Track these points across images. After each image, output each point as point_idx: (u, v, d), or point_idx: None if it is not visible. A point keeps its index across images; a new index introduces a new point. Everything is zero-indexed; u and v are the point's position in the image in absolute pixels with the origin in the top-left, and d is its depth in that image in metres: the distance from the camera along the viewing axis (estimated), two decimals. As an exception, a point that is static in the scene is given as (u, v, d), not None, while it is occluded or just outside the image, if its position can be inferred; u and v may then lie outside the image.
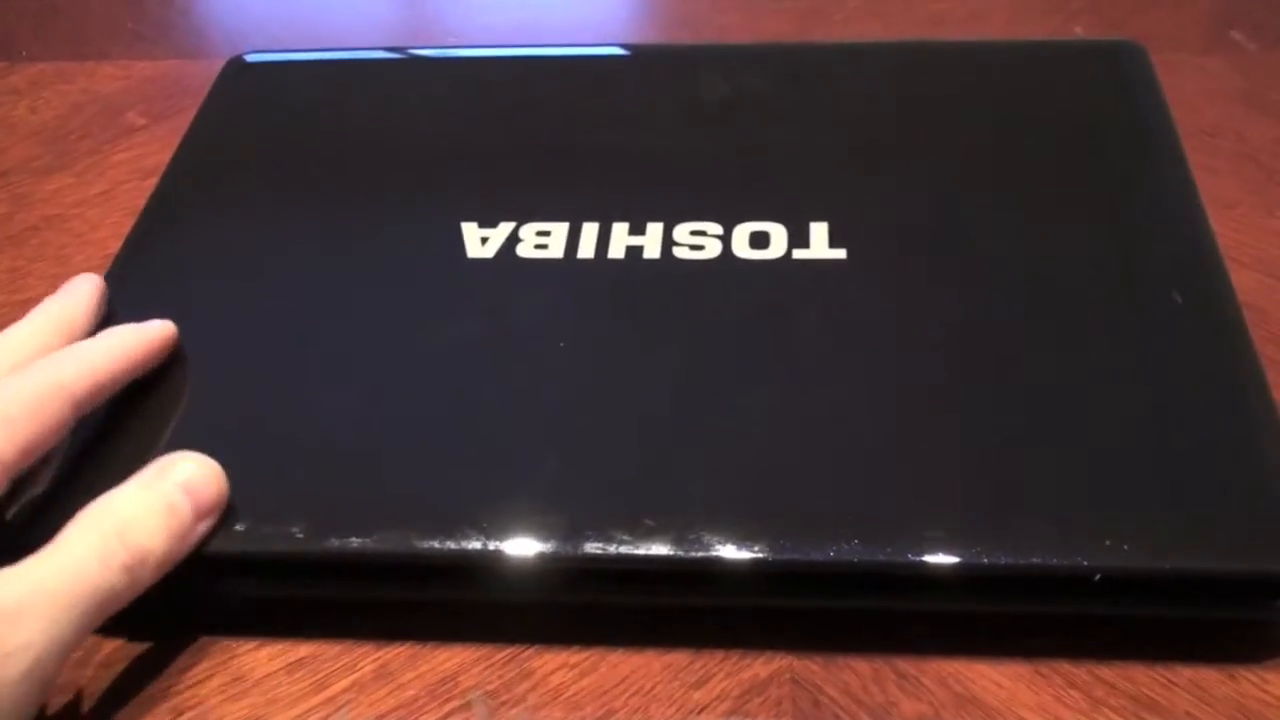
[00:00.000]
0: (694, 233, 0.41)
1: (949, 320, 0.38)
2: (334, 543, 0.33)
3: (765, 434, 0.35)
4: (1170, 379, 0.35)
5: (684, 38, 0.61)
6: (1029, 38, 0.57)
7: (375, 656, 0.34)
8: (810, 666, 0.34)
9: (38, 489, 0.35)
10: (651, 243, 0.41)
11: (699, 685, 0.33)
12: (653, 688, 0.33)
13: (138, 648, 0.35)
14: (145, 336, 0.37)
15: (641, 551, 0.32)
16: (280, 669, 0.34)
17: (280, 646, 0.35)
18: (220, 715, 0.33)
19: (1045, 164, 0.43)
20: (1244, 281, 0.41)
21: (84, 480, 0.35)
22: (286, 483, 0.35)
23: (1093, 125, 0.44)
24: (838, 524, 0.32)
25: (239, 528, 0.34)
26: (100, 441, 0.36)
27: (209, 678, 0.34)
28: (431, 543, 0.33)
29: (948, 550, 0.32)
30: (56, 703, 0.33)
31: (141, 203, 0.45)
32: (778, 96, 0.47)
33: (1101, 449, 0.34)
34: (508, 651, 0.34)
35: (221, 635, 0.35)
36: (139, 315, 0.40)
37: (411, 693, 0.34)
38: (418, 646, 0.35)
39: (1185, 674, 0.33)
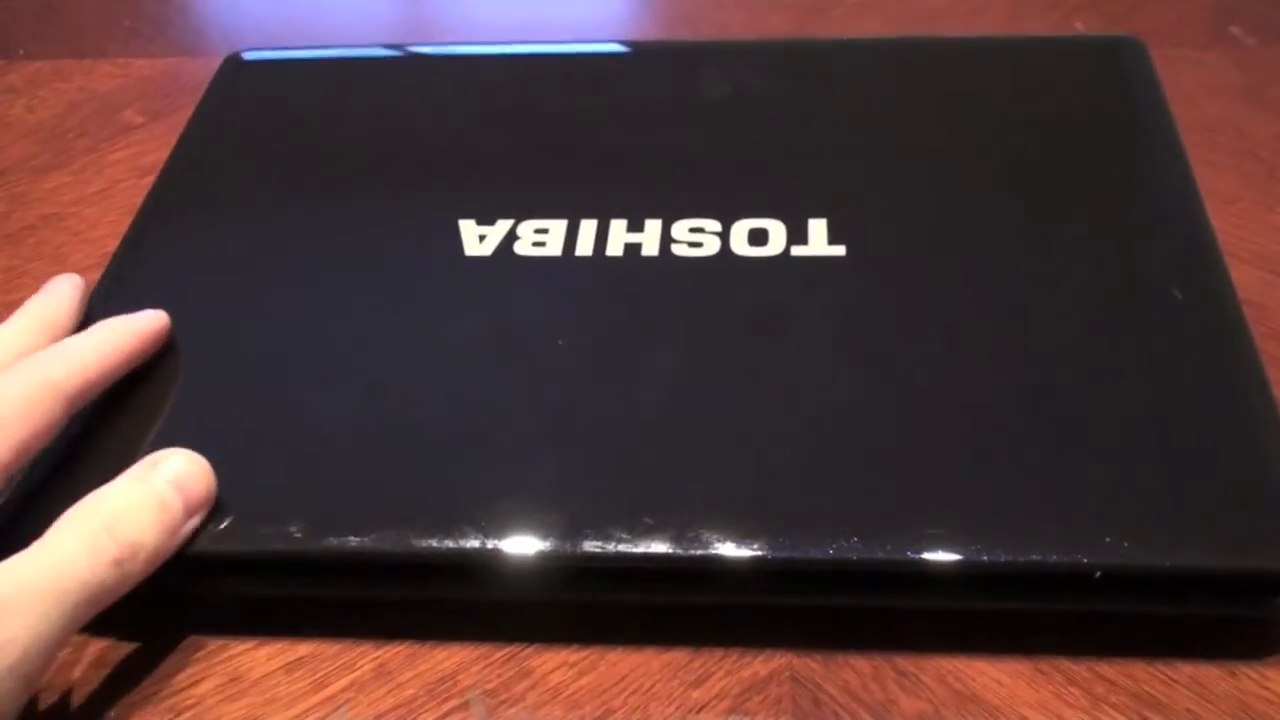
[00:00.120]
0: (692, 229, 0.41)
1: (948, 317, 0.38)
2: (332, 542, 0.33)
3: (764, 431, 0.35)
4: (1170, 375, 0.35)
5: (683, 34, 0.61)
6: (1028, 33, 0.57)
7: (374, 656, 0.34)
8: (810, 664, 0.34)
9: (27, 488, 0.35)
10: (650, 240, 0.41)
11: (698, 684, 0.33)
12: (652, 686, 0.33)
13: (136, 647, 0.35)
14: (136, 329, 0.37)
15: (640, 550, 0.32)
16: (279, 668, 0.34)
17: (279, 646, 0.35)
18: (219, 715, 0.33)
19: (1045, 160, 0.43)
20: (1244, 278, 0.40)
21: (78, 478, 0.34)
22: (285, 482, 0.35)
23: (1092, 121, 0.44)
24: (837, 521, 0.32)
25: (237, 527, 0.34)
26: (96, 440, 0.36)
27: (207, 677, 0.34)
28: (430, 541, 0.33)
29: (947, 548, 0.32)
30: (54, 703, 0.33)
31: (139, 201, 0.45)
32: (776, 93, 0.47)
33: (1101, 445, 0.34)
34: (507, 650, 0.34)
35: (220, 635, 0.35)
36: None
37: (410, 692, 0.33)
38: (416, 646, 0.35)
39: (1186, 671, 0.33)
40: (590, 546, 0.32)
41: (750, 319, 0.38)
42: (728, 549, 0.32)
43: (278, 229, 0.44)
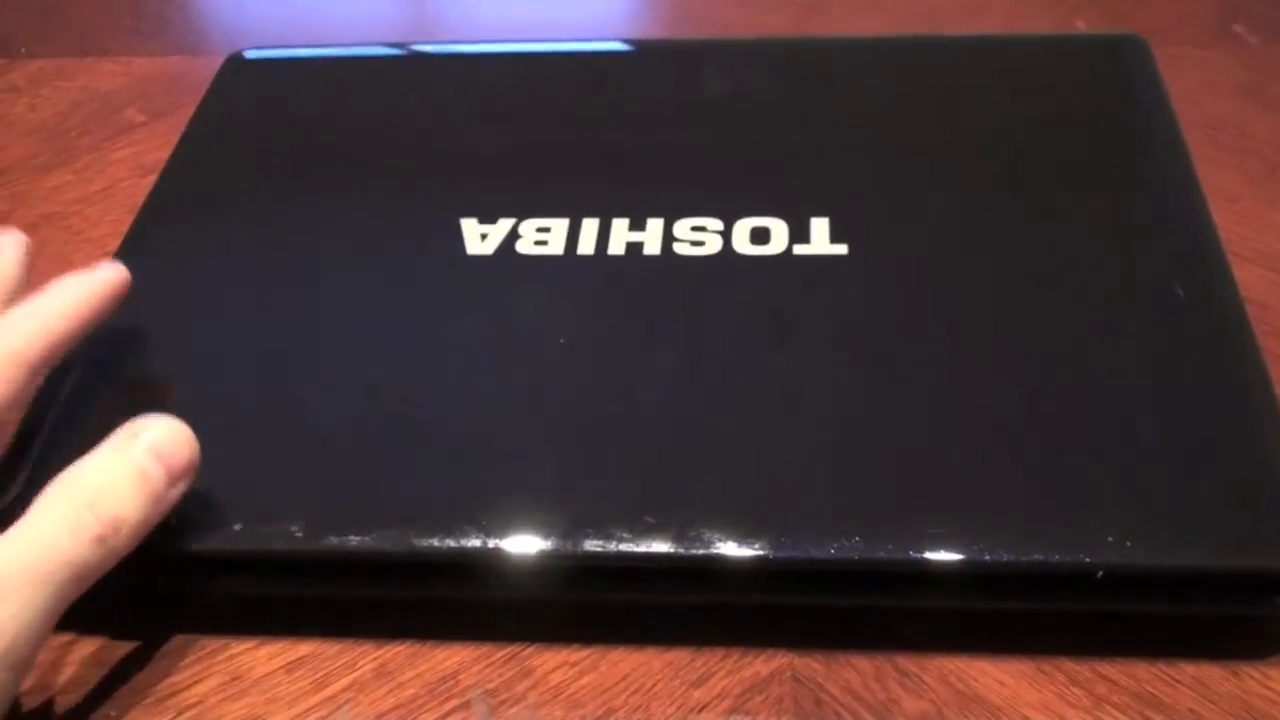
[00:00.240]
0: (694, 228, 0.41)
1: (950, 316, 0.38)
2: (333, 541, 0.33)
3: (766, 431, 0.35)
4: (1172, 374, 0.35)
5: (685, 33, 0.60)
6: (1030, 32, 0.56)
7: (375, 655, 0.34)
8: (811, 664, 0.34)
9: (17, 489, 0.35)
10: (652, 238, 0.41)
11: (700, 683, 0.33)
12: (653, 686, 0.33)
13: (137, 647, 0.35)
14: (96, 286, 0.36)
15: (642, 549, 0.32)
16: (280, 668, 0.34)
17: (279, 645, 0.35)
18: (219, 714, 0.33)
19: (1046, 159, 0.43)
20: (1246, 276, 0.40)
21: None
22: (285, 481, 0.35)
23: (1094, 119, 0.44)
24: (838, 521, 0.32)
25: (238, 526, 0.34)
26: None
27: (208, 677, 0.34)
28: (431, 541, 0.33)
29: (949, 547, 0.32)
30: (54, 702, 0.33)
31: (141, 200, 0.45)
32: (778, 91, 0.47)
33: (1103, 445, 0.34)
34: (508, 650, 0.34)
35: (220, 634, 0.35)
36: (137, 312, 0.40)
37: (411, 691, 0.33)
38: (417, 645, 0.34)
39: (1188, 671, 0.33)
40: (591, 546, 0.32)
41: (752, 318, 0.38)
42: (729, 548, 0.32)
43: (279, 228, 0.44)
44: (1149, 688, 0.32)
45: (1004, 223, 0.40)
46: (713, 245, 0.40)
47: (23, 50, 0.61)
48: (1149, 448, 0.34)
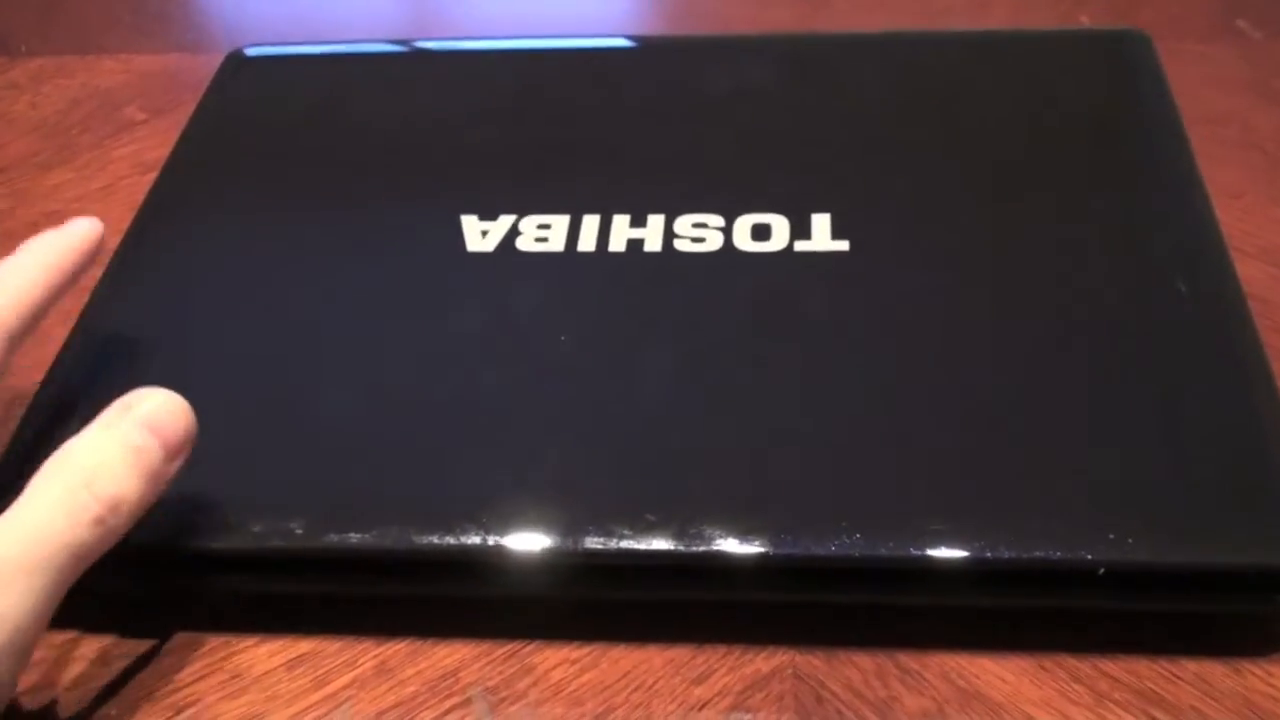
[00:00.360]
0: (695, 225, 0.41)
1: (951, 312, 0.37)
2: (333, 539, 0.33)
3: (767, 428, 0.35)
4: (1174, 370, 0.35)
5: (687, 28, 0.60)
6: (1033, 27, 0.56)
7: (375, 653, 0.34)
8: (812, 661, 0.33)
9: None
10: (653, 235, 0.40)
11: (701, 680, 0.33)
12: (654, 683, 0.33)
13: (136, 644, 0.35)
14: (69, 244, 0.35)
15: (642, 546, 0.32)
16: (280, 665, 0.34)
17: (280, 643, 0.35)
18: (220, 712, 0.33)
19: (1049, 154, 0.43)
20: (1249, 272, 0.40)
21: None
22: (286, 479, 0.35)
23: (1097, 115, 0.44)
24: (839, 518, 0.32)
25: (238, 524, 0.34)
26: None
27: (208, 674, 0.34)
28: (431, 538, 0.33)
29: (951, 544, 0.31)
30: (55, 701, 0.33)
31: (142, 198, 0.45)
32: (780, 87, 0.47)
33: (1105, 441, 0.34)
34: (508, 647, 0.34)
35: (220, 632, 0.35)
36: (138, 310, 0.40)
37: (412, 689, 0.33)
38: (418, 642, 0.34)
39: (1190, 668, 0.33)
40: (592, 543, 0.32)
41: (753, 315, 0.38)
42: (730, 546, 0.32)
43: (280, 225, 0.44)
44: (1151, 685, 0.32)
45: (1005, 219, 0.40)
46: (714, 242, 0.40)
47: (23, 48, 0.61)
48: (1151, 444, 0.33)
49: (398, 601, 0.35)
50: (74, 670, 0.34)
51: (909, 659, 0.33)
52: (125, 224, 0.44)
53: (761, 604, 0.35)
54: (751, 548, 0.32)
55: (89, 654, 0.35)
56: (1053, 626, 0.33)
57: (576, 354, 0.37)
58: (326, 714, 0.33)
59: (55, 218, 0.49)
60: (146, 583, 0.35)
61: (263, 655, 0.34)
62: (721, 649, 0.34)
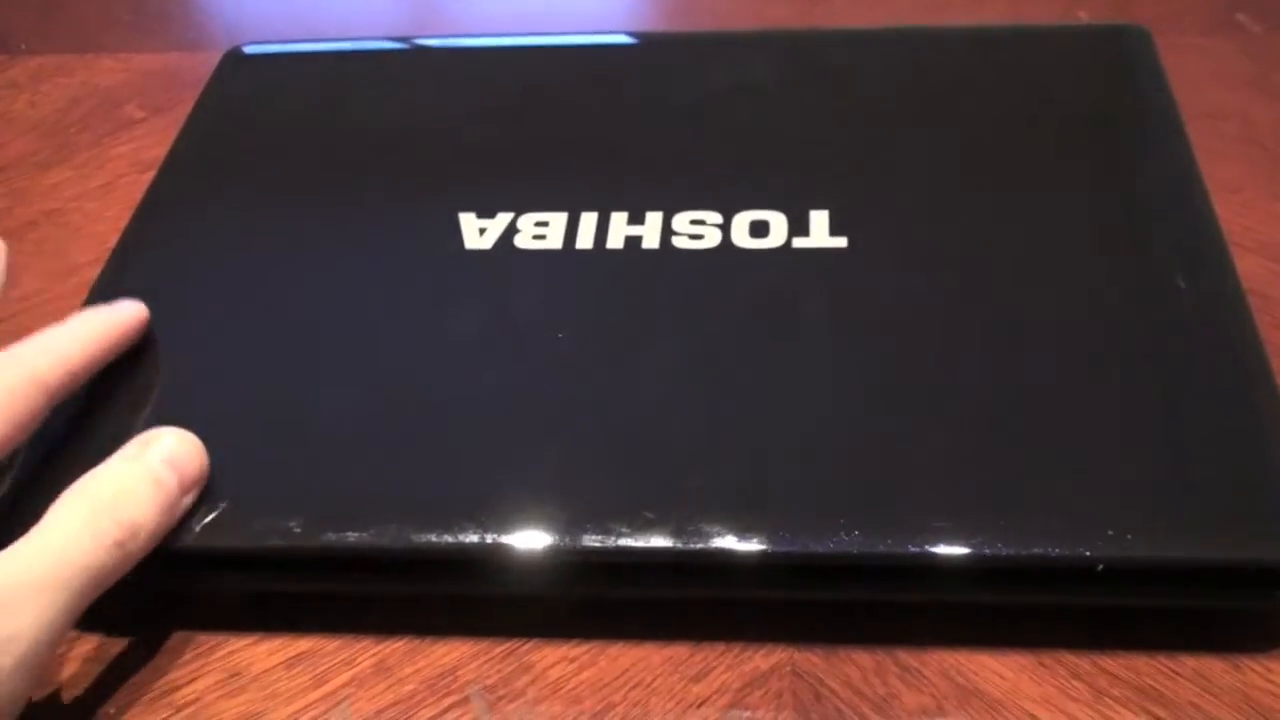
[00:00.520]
0: (693, 222, 0.41)
1: (950, 308, 0.37)
2: (331, 537, 0.33)
3: (765, 425, 0.35)
4: (1173, 366, 0.35)
5: (684, 25, 0.60)
6: (1032, 22, 0.56)
7: (374, 651, 0.34)
8: (811, 659, 0.33)
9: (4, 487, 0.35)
10: (650, 232, 0.40)
11: (699, 678, 0.33)
12: (653, 681, 0.33)
13: (136, 643, 0.35)
14: (116, 320, 0.37)
15: (641, 544, 0.32)
16: (279, 664, 0.34)
17: (278, 642, 0.35)
18: (218, 711, 0.33)
19: (1048, 150, 0.43)
20: (1248, 267, 0.40)
21: (75, 473, 0.34)
22: (284, 477, 0.35)
23: (1096, 111, 0.44)
24: (838, 515, 0.32)
25: (237, 522, 0.34)
26: (94, 435, 0.36)
27: (207, 673, 0.34)
28: (429, 537, 0.33)
29: (949, 541, 0.31)
30: (54, 700, 0.33)
31: (141, 196, 0.45)
32: (778, 83, 0.47)
33: (1104, 437, 0.33)
34: (506, 645, 0.34)
35: (219, 630, 0.35)
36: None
37: (410, 687, 0.33)
38: (416, 641, 0.34)
39: (1190, 664, 0.33)
40: (590, 541, 0.32)
41: (752, 312, 0.38)
42: (728, 543, 0.32)
43: (278, 223, 0.44)
44: (1150, 681, 0.32)
45: (1004, 215, 0.40)
46: (712, 239, 0.40)
47: (22, 47, 0.61)
48: (1150, 440, 0.33)
49: (396, 600, 0.35)
50: (73, 669, 0.34)
51: (908, 656, 0.33)
52: (124, 222, 0.44)
53: (760, 602, 0.35)
54: (750, 545, 0.32)
55: (87, 652, 0.35)
56: (1052, 623, 0.33)
57: (574, 351, 0.37)
58: (325, 712, 0.33)
59: (54, 216, 0.50)
60: (145, 581, 0.35)
61: (262, 654, 0.34)
62: (720, 647, 0.34)
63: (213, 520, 0.34)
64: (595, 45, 0.51)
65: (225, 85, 0.50)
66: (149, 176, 0.46)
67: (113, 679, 0.34)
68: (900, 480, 0.33)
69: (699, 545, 0.32)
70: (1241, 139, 0.49)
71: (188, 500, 0.33)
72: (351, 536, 0.33)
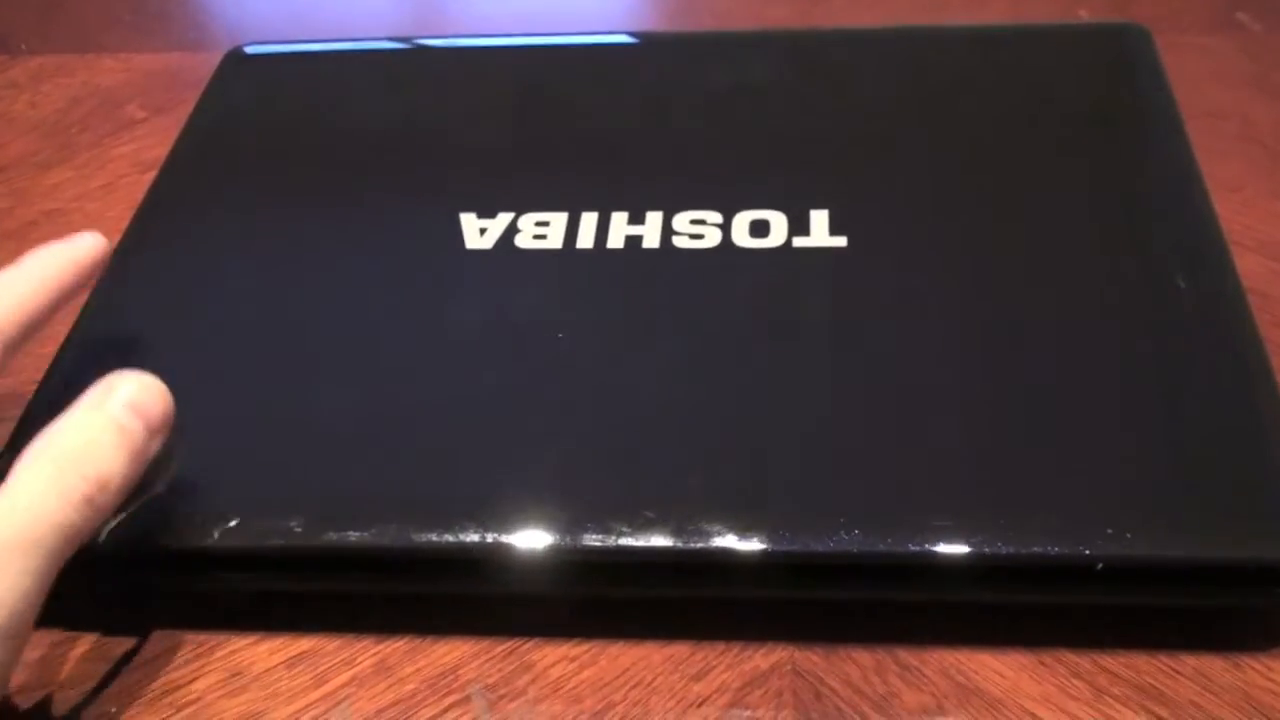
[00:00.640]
0: (694, 221, 0.41)
1: (950, 307, 0.37)
2: (332, 537, 0.33)
3: (766, 424, 0.35)
4: (1173, 365, 0.35)
5: (685, 24, 0.60)
6: (1032, 21, 0.56)
7: (374, 651, 0.34)
8: (811, 658, 0.33)
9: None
10: (651, 232, 0.40)
11: (699, 677, 0.33)
12: (653, 680, 0.33)
13: (137, 643, 0.35)
14: (73, 256, 0.35)
15: (641, 544, 0.32)
16: (279, 664, 0.34)
17: (279, 641, 0.35)
18: (219, 710, 0.33)
19: (1047, 149, 0.43)
20: (1248, 266, 0.40)
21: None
22: (284, 477, 0.35)
23: (1096, 110, 0.44)
24: (838, 514, 0.32)
25: (238, 523, 0.34)
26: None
27: (208, 673, 0.34)
28: (430, 536, 0.33)
29: (949, 540, 0.31)
30: (55, 699, 0.34)
31: (142, 196, 0.45)
32: (778, 83, 0.47)
33: (1104, 435, 0.34)
34: (507, 644, 0.34)
35: (220, 630, 0.35)
36: (137, 309, 0.40)
37: (411, 687, 0.33)
38: (417, 640, 0.34)
39: (1190, 663, 0.33)
40: (591, 540, 0.32)
41: (752, 311, 0.38)
42: (729, 542, 0.32)
43: (279, 223, 0.44)
44: (1150, 679, 0.32)
45: (1004, 214, 0.40)
46: (712, 238, 0.40)
47: (23, 47, 0.61)
48: (1150, 438, 0.33)
49: (397, 599, 0.35)
50: (73, 669, 0.34)
51: (908, 655, 0.33)
52: (125, 223, 0.44)
53: (760, 601, 0.35)
54: (750, 544, 0.32)
55: (88, 652, 0.35)
56: (1052, 622, 0.33)
57: (575, 351, 0.37)
58: (326, 712, 0.33)
59: (55, 216, 0.50)
60: (146, 581, 0.35)
61: (262, 653, 0.35)
62: (720, 646, 0.34)
63: (214, 520, 0.34)
64: (596, 45, 0.51)
65: (226, 85, 0.50)
66: (150, 177, 0.46)
67: (114, 678, 0.34)
68: (900, 479, 0.33)
69: (699, 544, 0.32)
70: (1241, 138, 0.49)
71: (155, 444, 0.31)
72: (352, 536, 0.33)
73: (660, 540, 0.32)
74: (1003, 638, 0.33)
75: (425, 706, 0.33)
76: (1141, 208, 0.40)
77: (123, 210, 0.49)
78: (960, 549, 0.31)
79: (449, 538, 0.33)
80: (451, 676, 0.34)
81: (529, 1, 0.63)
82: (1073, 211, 0.40)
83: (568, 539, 0.32)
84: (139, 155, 0.53)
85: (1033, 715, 0.32)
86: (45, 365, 0.39)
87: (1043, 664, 0.33)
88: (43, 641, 0.35)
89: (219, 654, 0.34)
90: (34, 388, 0.38)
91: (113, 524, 0.32)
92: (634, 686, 0.33)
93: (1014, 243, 0.39)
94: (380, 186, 0.44)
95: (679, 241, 0.40)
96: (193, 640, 0.35)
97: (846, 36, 0.51)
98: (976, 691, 0.32)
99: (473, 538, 0.33)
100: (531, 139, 0.45)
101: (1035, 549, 0.31)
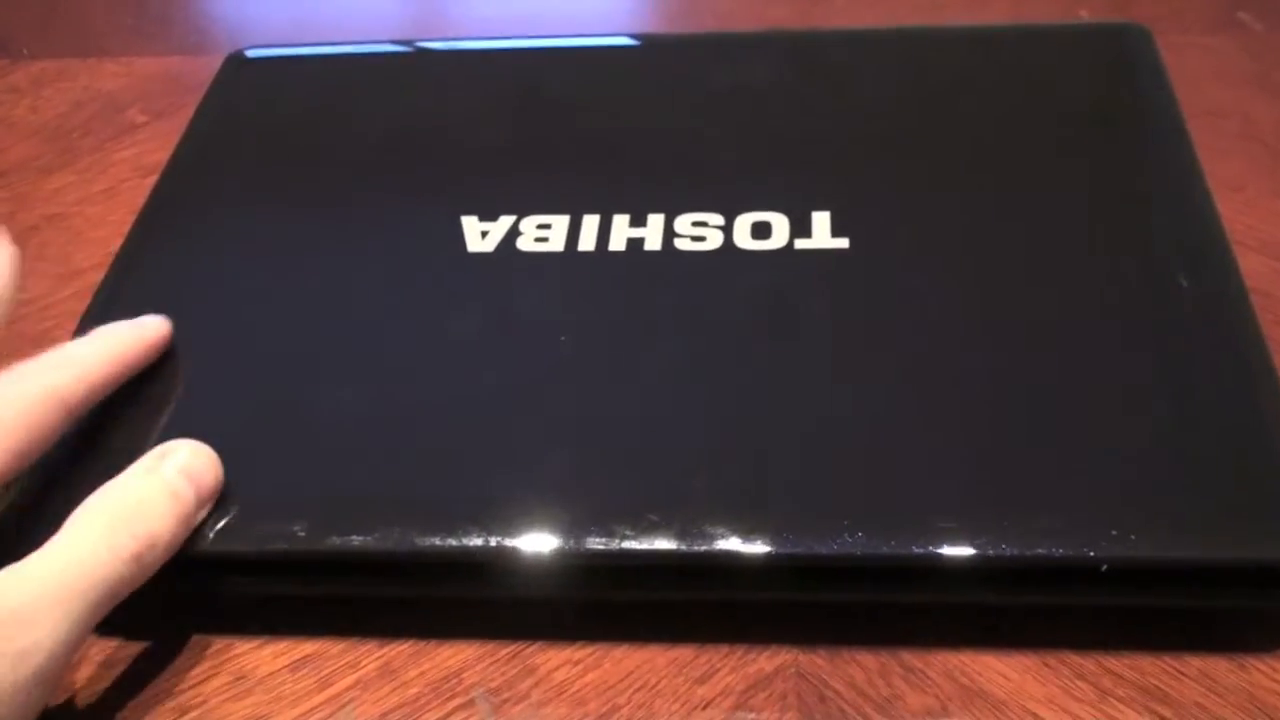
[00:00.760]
0: (695, 223, 0.41)
1: (953, 309, 0.37)
2: (336, 541, 0.33)
3: (769, 427, 0.35)
4: (1176, 365, 0.35)
5: (685, 26, 0.60)
6: (1033, 22, 0.56)
7: (378, 654, 0.34)
8: (815, 660, 0.33)
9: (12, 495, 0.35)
10: (653, 234, 0.40)
11: (703, 680, 0.33)
12: (657, 683, 0.33)
13: (141, 647, 0.35)
14: (138, 335, 0.37)
15: (645, 547, 0.32)
16: (284, 667, 0.34)
17: (283, 645, 0.35)
18: (224, 714, 0.33)
19: (1049, 150, 0.42)
20: (1251, 265, 0.40)
21: (85, 477, 0.34)
22: (289, 480, 0.35)
23: (1097, 110, 0.44)
24: (842, 517, 0.32)
25: (242, 526, 0.34)
26: (102, 438, 0.36)
27: (212, 677, 0.34)
28: (434, 540, 0.33)
29: (953, 542, 0.31)
30: (61, 703, 0.34)
31: (143, 200, 0.45)
32: (779, 84, 0.47)
33: (1107, 437, 0.33)
34: (511, 648, 0.34)
35: (224, 634, 0.35)
36: (140, 313, 0.40)
37: (415, 690, 0.33)
38: (421, 644, 0.35)
39: (1194, 664, 0.33)
40: (594, 544, 0.32)
41: (754, 313, 0.38)
42: (732, 545, 0.32)
43: (280, 226, 0.44)
44: (1155, 681, 0.32)
45: (1006, 215, 0.40)
46: (714, 241, 0.40)
47: (24, 51, 0.61)
48: (1153, 439, 0.33)
49: (401, 603, 0.35)
50: (78, 672, 0.34)
51: (912, 657, 0.33)
52: (126, 227, 0.44)
53: (764, 603, 0.35)
54: (754, 547, 0.32)
55: (94, 656, 0.35)
56: (1056, 623, 0.33)
57: (577, 354, 0.37)
58: (330, 715, 0.33)
59: (56, 221, 0.50)
60: (150, 585, 0.35)
61: (267, 657, 0.35)
62: (724, 648, 0.34)
63: (218, 524, 0.34)
64: (596, 47, 0.51)
65: (228, 89, 0.50)
66: (151, 181, 0.46)
67: (120, 682, 0.34)
68: (903, 481, 0.33)
69: (703, 547, 0.32)
70: (1243, 137, 0.49)
71: (203, 513, 0.33)
72: (356, 540, 0.33)
73: (664, 543, 0.32)
74: (1006, 639, 0.33)
75: (429, 710, 0.33)
76: (1143, 207, 0.40)
77: (124, 214, 0.49)
78: (964, 551, 0.31)
79: (452, 541, 0.33)
80: (455, 680, 0.34)
81: (530, 4, 0.63)
82: (1074, 212, 0.40)
83: (571, 542, 0.32)
84: (140, 159, 0.53)
85: (1036, 717, 0.32)
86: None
87: (1047, 665, 0.33)
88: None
89: (224, 657, 0.35)
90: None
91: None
92: (638, 689, 0.33)
93: (1016, 243, 0.39)
94: (382, 190, 0.44)
95: (681, 244, 0.40)
96: (198, 644, 0.35)
97: (847, 37, 0.51)
98: (980, 693, 0.32)
99: (476, 541, 0.33)
100: (533, 141, 0.45)
101: (1039, 550, 0.31)
